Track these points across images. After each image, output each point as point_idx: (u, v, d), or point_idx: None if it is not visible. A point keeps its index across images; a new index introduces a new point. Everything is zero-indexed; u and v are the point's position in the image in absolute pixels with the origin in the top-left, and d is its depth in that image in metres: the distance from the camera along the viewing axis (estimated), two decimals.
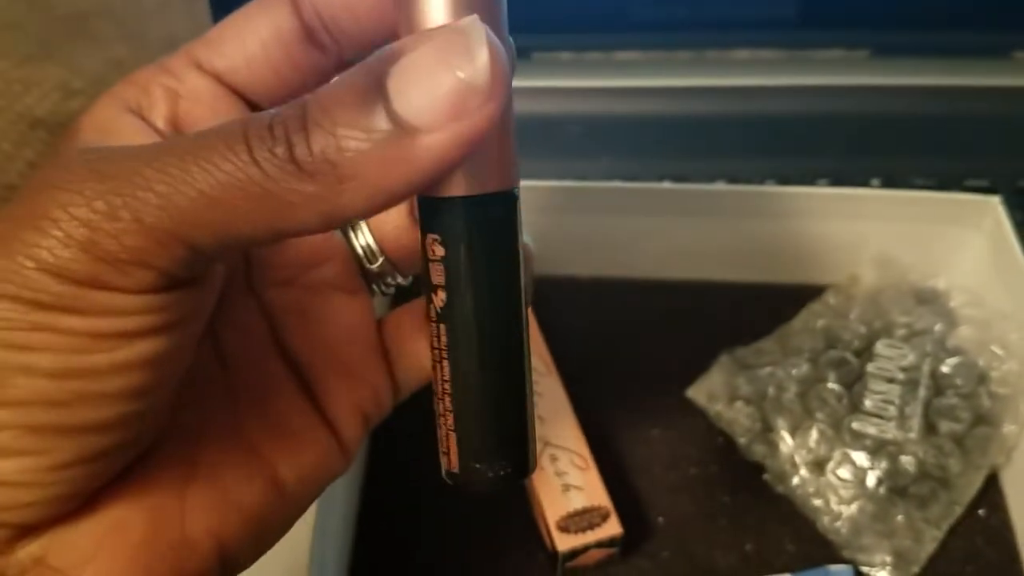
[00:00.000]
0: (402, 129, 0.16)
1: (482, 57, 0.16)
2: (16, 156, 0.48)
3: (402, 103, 0.16)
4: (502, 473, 0.19)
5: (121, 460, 0.18)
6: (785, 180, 0.52)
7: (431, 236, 0.18)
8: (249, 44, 0.20)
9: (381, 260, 0.24)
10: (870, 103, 0.57)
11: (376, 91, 0.16)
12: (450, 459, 0.19)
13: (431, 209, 0.18)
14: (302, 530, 0.34)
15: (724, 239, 0.47)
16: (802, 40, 0.59)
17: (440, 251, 0.18)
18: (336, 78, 0.17)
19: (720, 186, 0.51)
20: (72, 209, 0.15)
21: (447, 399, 0.19)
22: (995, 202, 0.44)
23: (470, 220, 0.18)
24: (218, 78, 0.20)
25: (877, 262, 0.46)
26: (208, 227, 0.16)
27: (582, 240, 0.48)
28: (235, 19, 0.20)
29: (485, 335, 0.18)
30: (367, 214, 0.17)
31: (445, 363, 0.19)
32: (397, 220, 0.24)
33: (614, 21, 0.57)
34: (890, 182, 0.53)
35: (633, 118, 0.58)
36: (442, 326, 0.18)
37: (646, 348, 0.47)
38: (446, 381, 0.19)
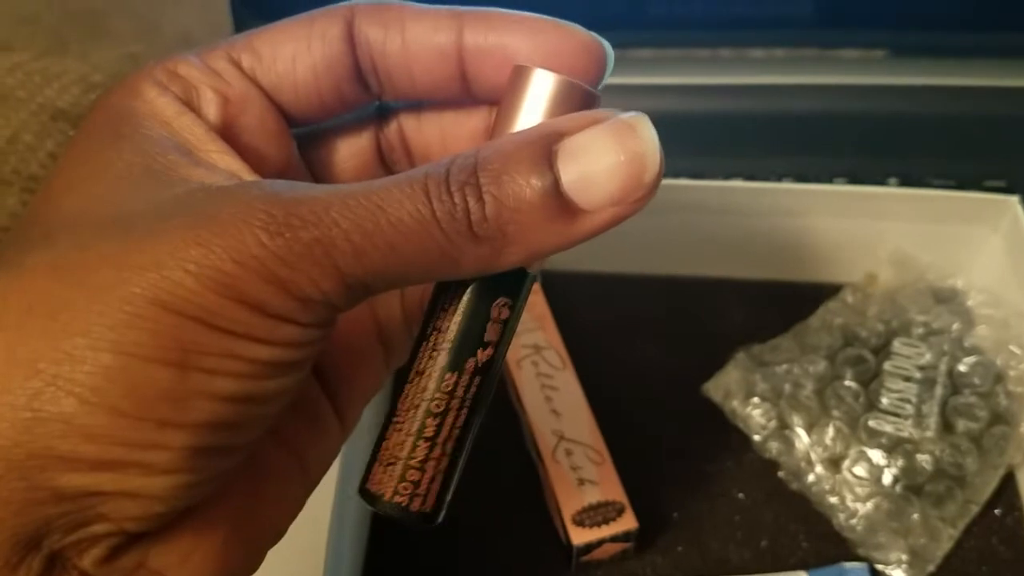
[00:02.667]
0: (565, 207, 0.17)
1: (651, 150, 0.18)
2: (38, 147, 0.49)
3: (573, 185, 0.17)
4: (438, 518, 0.21)
5: (225, 474, 0.19)
6: (802, 178, 0.52)
7: (503, 299, 0.20)
8: (300, 70, 0.20)
9: None
10: (888, 103, 0.57)
11: (546, 167, 0.17)
12: (425, 500, 0.20)
13: (510, 276, 0.19)
14: (320, 507, 0.34)
15: (741, 236, 0.47)
16: (820, 39, 0.59)
17: (506, 314, 0.20)
18: (502, 140, 0.18)
19: (737, 183, 0.51)
20: (274, 249, 0.16)
21: (449, 444, 0.20)
22: (1013, 202, 0.44)
23: (527, 293, 0.20)
24: (261, 90, 0.21)
25: (895, 261, 0.46)
26: (386, 274, 0.17)
27: (599, 236, 0.48)
28: (286, 37, 0.20)
29: (491, 392, 0.20)
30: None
31: (464, 412, 0.20)
32: None
33: (630, 18, 0.57)
34: (907, 182, 0.53)
35: (649, 116, 0.57)
36: (477, 378, 0.20)
37: (662, 344, 0.47)
38: (457, 428, 0.20)
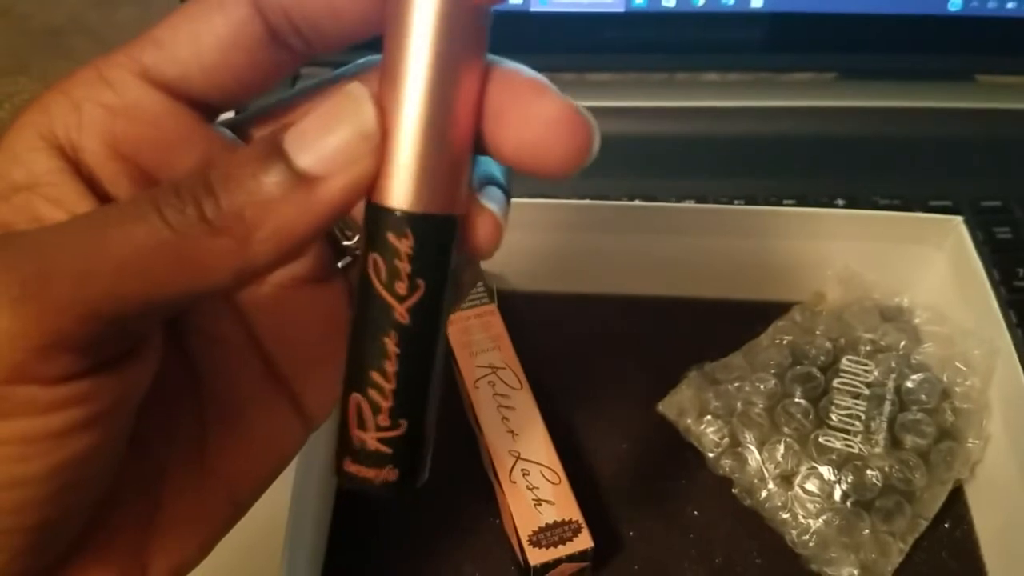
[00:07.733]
0: (301, 179, 0.17)
1: (368, 111, 0.17)
2: None
3: (300, 156, 0.17)
4: (389, 480, 0.19)
5: (68, 537, 0.18)
6: (752, 200, 0.53)
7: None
8: (206, 49, 0.19)
9: (358, 237, 0.23)
10: (836, 124, 0.58)
11: (275, 151, 0.17)
12: (338, 457, 0.19)
13: (376, 214, 0.19)
14: (274, 542, 0.34)
15: (693, 257, 0.48)
16: (770, 63, 0.60)
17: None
18: (236, 151, 0.18)
19: (689, 205, 0.51)
20: None
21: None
22: (957, 222, 0.45)
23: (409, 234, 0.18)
24: (167, 87, 0.19)
25: (842, 280, 0.46)
26: (124, 297, 0.16)
27: (554, 256, 0.49)
28: (186, 18, 0.19)
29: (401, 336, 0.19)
30: (278, 263, 0.17)
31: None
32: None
33: (587, 43, 0.58)
34: (855, 202, 0.54)
35: (604, 138, 0.58)
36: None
37: (617, 363, 0.47)
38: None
